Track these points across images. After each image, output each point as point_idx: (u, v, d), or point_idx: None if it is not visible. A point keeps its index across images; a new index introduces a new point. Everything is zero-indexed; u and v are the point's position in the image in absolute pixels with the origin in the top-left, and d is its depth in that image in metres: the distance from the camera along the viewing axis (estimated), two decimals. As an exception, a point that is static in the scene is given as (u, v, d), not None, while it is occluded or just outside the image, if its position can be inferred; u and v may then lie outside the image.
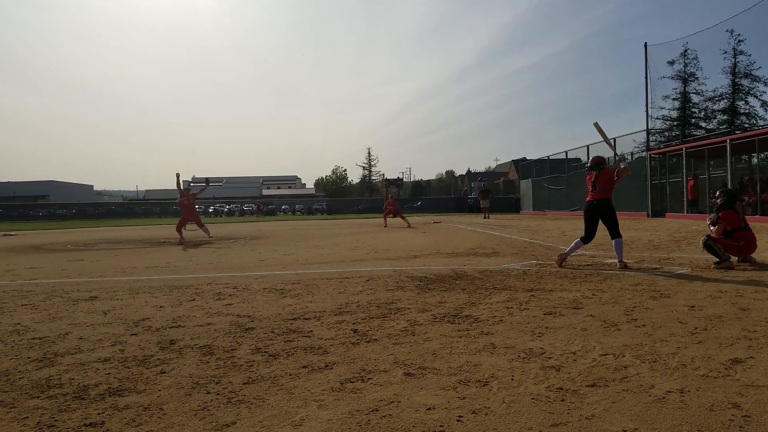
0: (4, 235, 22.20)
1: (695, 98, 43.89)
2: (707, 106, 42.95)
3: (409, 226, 21.80)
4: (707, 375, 2.91)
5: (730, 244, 7.39)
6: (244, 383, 2.97)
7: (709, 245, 7.37)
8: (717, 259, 7.30)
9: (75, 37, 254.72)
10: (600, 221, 7.73)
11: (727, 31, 36.08)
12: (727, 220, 7.48)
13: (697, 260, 7.94)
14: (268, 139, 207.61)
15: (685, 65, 43.00)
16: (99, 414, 2.56)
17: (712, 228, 7.64)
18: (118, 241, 17.10)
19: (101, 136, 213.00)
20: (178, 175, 16.78)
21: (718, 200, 7.79)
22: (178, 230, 16.18)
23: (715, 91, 42.48)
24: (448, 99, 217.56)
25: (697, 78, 43.08)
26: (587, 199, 7.93)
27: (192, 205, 16.77)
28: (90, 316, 4.85)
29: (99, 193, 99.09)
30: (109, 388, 2.93)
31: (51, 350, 3.72)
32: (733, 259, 7.40)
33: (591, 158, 8.25)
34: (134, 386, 2.95)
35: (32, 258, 11.38)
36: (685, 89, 43.65)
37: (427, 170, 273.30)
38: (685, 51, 41.79)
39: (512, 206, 45.99)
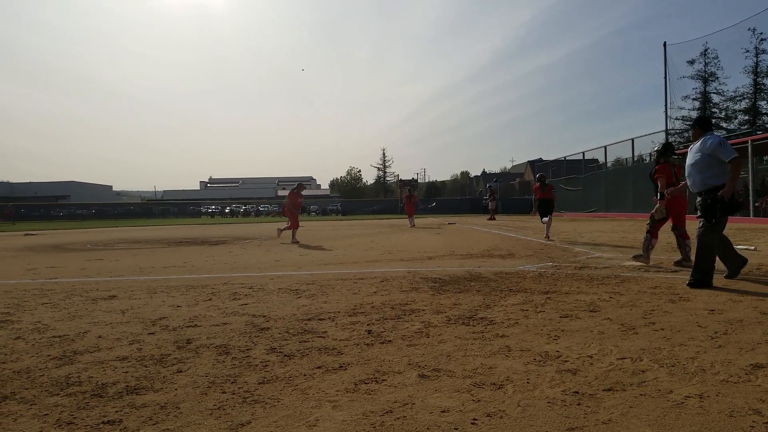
0: (25, 234, 22.56)
1: (716, 98, 43.36)
2: (728, 106, 42.40)
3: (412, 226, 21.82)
4: (727, 380, 2.87)
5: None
6: (260, 383, 2.98)
7: (680, 241, 7.81)
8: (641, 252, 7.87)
9: (95, 41, 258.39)
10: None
11: (748, 29, 35.60)
12: (665, 172, 7.80)
13: (717, 263, 7.82)
14: (283, 140, 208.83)
15: (706, 65, 42.49)
16: (117, 412, 2.59)
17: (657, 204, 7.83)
18: (136, 241, 17.30)
19: (120, 138, 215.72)
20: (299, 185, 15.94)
21: (658, 157, 8.10)
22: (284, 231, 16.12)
23: (736, 90, 41.93)
24: (463, 99, 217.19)
25: (717, 77, 42.57)
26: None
27: (291, 205, 15.59)
28: (108, 315, 4.90)
29: (118, 193, 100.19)
30: (126, 386, 2.96)
31: (70, 348, 3.77)
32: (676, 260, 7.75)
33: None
34: (151, 385, 2.98)
35: (53, 257, 11.55)
36: (705, 89, 43.14)
37: (441, 171, 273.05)
38: (706, 50, 41.32)
39: (528, 207, 45.72)
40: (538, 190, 14.76)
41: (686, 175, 6.20)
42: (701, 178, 5.97)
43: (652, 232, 7.82)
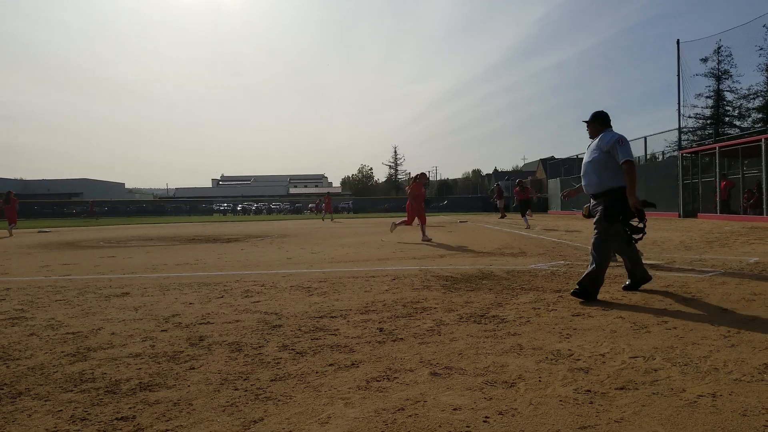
0: (39, 231, 22.79)
1: (729, 96, 42.96)
2: (742, 104, 41.99)
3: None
4: (740, 379, 2.85)
5: None
6: (272, 380, 3.00)
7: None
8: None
9: (109, 38, 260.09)
10: None
11: (763, 26, 35.20)
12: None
13: (730, 262, 7.76)
14: (295, 138, 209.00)
15: (719, 62, 42.12)
16: (130, 408, 2.62)
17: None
18: (148, 238, 17.42)
19: (133, 135, 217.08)
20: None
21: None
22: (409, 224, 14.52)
23: (750, 88, 41.49)
24: (475, 98, 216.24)
25: (731, 75, 42.17)
26: None
27: (414, 198, 13.97)
28: (122, 312, 4.95)
29: (130, 191, 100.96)
30: (140, 383, 2.98)
31: (84, 345, 3.81)
32: None
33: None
34: (164, 381, 3.00)
35: (66, 254, 11.66)
36: (718, 87, 42.75)
37: (453, 169, 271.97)
38: (719, 48, 40.94)
39: (540, 206, 45.54)
40: (519, 193, 18.92)
41: (582, 174, 5.59)
42: (598, 179, 5.32)
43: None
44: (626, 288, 5.62)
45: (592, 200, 5.53)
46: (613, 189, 5.19)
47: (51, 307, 5.25)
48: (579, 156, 38.79)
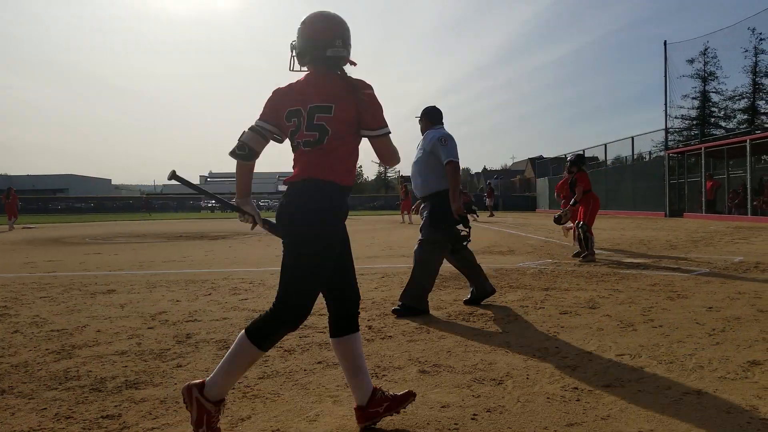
0: (23, 227, 22.54)
1: (715, 97, 43.33)
2: (727, 106, 42.39)
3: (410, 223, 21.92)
4: (725, 377, 2.88)
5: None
6: (260, 378, 2.98)
7: (586, 236, 8.28)
8: (583, 251, 8.28)
9: (96, 31, 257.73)
10: None
11: (748, 29, 35.55)
12: (583, 181, 8.55)
13: (715, 261, 7.84)
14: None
15: (705, 64, 42.44)
16: (116, 406, 2.59)
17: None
18: (135, 235, 17.28)
19: (120, 131, 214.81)
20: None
21: (570, 167, 8.86)
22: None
23: (735, 90, 41.90)
24: (466, 96, 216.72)
25: (717, 77, 42.51)
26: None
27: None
28: (107, 309, 4.90)
29: (117, 187, 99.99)
30: (126, 380, 2.96)
31: (69, 342, 3.77)
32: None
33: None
34: (151, 379, 2.98)
35: (51, 251, 11.54)
36: (704, 88, 43.11)
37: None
38: (705, 49, 41.23)
39: (528, 205, 45.74)
40: (491, 194, 23.29)
41: (410, 175, 5.09)
42: (422, 182, 4.83)
43: (590, 231, 8.40)
44: (466, 302, 4.97)
45: (421, 204, 5.00)
46: (438, 192, 4.70)
47: (35, 304, 5.19)
48: (567, 155, 39.03)
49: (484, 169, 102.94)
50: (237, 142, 2.34)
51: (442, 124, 5.03)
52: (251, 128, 2.34)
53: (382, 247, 11.25)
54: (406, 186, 27.70)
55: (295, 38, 2.35)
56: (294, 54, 2.38)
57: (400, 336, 3.84)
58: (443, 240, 4.73)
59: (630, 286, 5.80)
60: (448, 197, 4.61)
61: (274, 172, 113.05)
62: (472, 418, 2.38)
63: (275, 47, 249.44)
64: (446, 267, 7.60)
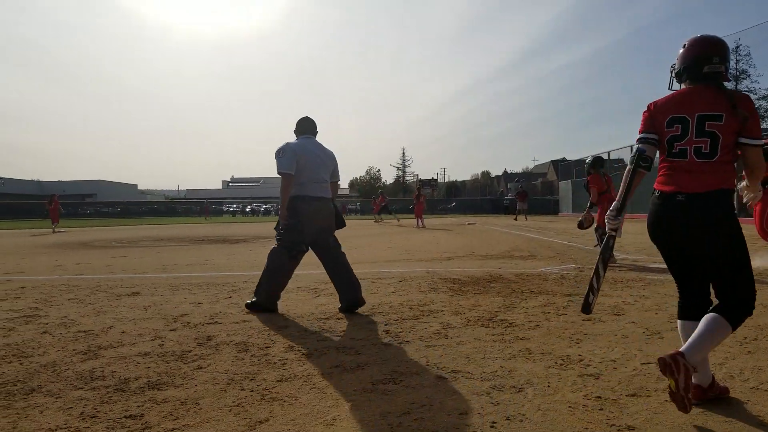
0: (54, 231, 23.01)
1: (749, 96, 42.61)
2: (761, 105, 41.51)
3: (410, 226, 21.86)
4: (757, 387, 2.80)
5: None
6: (278, 381, 2.99)
7: (602, 239, 8.15)
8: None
9: (124, 40, 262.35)
10: None
11: (783, 24, 34.81)
12: (596, 183, 8.65)
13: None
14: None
15: (737, 62, 41.68)
16: (139, 407, 2.62)
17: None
18: (159, 239, 17.52)
19: (145, 137, 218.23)
20: None
21: (588, 169, 8.95)
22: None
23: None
24: (485, 98, 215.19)
25: (749, 75, 41.72)
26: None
27: None
28: (132, 311, 4.97)
29: (142, 192, 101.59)
30: (148, 381, 2.99)
31: (95, 343, 3.83)
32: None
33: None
34: (172, 380, 3.01)
35: (80, 254, 11.76)
36: (736, 87, 42.36)
37: (462, 171, 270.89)
38: (737, 47, 40.50)
39: (551, 208, 45.30)
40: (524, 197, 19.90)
41: None
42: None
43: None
44: (340, 310, 4.96)
45: None
46: (293, 197, 4.91)
47: (64, 306, 5.29)
48: (588, 158, 38.53)
49: (505, 172, 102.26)
50: (636, 157, 2.66)
51: (308, 134, 5.19)
52: (643, 141, 2.68)
53: (400, 251, 11.24)
54: (419, 190, 27.66)
55: (674, 61, 2.70)
56: (673, 74, 2.72)
57: (418, 341, 3.82)
58: (286, 244, 4.93)
59: (657, 292, 5.70)
60: (297, 206, 4.88)
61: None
62: (491, 426, 2.36)
63: (296, 54, 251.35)
64: (467, 272, 7.56)
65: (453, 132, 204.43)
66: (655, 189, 2.68)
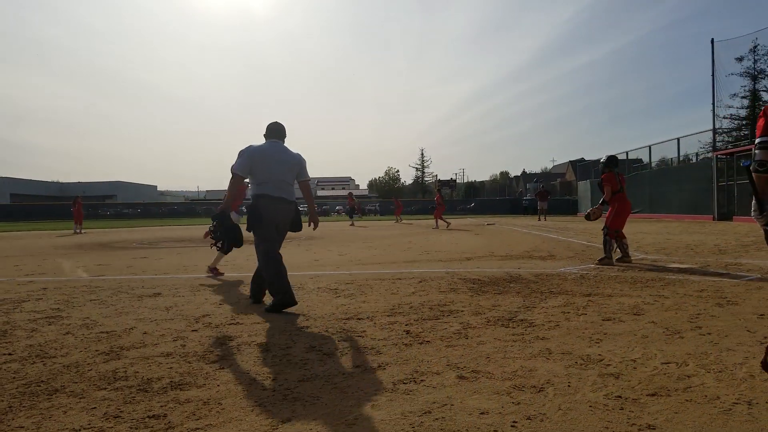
0: (74, 232, 23.36)
1: (766, 96, 41.87)
2: (777, 104, 40.90)
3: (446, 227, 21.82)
4: (778, 387, 2.77)
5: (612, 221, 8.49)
6: (299, 381, 3.02)
7: (606, 239, 8.38)
8: (618, 255, 8.34)
9: (140, 43, 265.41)
10: None
11: (802, 24, 34.22)
12: (610, 181, 8.62)
13: (767, 266, 7.55)
14: (322, 140, 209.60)
15: (755, 61, 41.11)
16: (162, 407, 2.66)
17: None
18: (180, 239, 17.70)
19: (165, 138, 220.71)
20: None
21: (603, 168, 8.86)
22: None
23: (789, 85, 40.40)
24: (504, 99, 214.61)
25: (767, 75, 41.08)
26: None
27: None
28: (153, 312, 5.04)
29: (162, 193, 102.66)
30: (171, 382, 3.04)
31: (117, 344, 3.89)
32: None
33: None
34: (194, 381, 3.05)
35: (100, 255, 11.93)
36: (754, 87, 41.74)
37: (480, 171, 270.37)
38: (755, 47, 39.96)
39: (569, 208, 44.96)
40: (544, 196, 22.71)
41: None
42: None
43: (611, 234, 8.41)
44: (266, 310, 5.09)
45: None
46: (253, 195, 5.31)
47: (86, 307, 5.38)
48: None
49: (524, 172, 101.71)
50: (757, 161, 2.93)
51: (274, 138, 5.45)
52: (760, 146, 2.90)
53: (419, 252, 11.24)
54: (440, 191, 27.63)
55: None
56: None
57: (438, 341, 3.82)
58: (260, 239, 5.27)
59: (676, 292, 5.64)
60: (257, 203, 5.23)
61: (314, 177, 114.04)
62: (512, 426, 2.36)
63: (313, 54, 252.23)
64: (486, 272, 7.55)
65: (472, 132, 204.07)
66: None
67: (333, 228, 25.32)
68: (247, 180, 5.53)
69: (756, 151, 2.94)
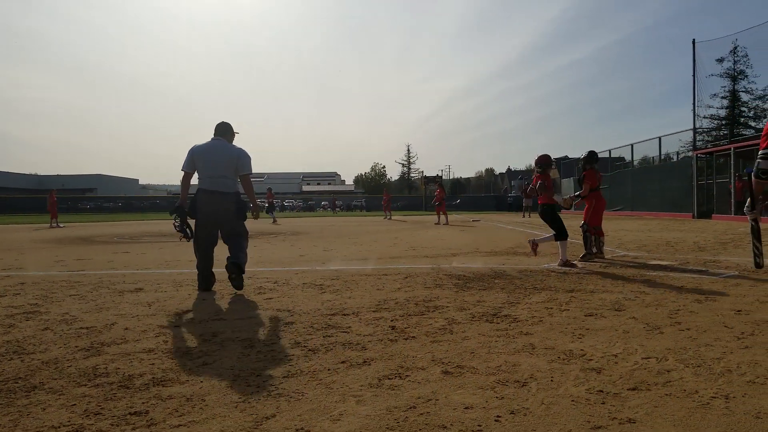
0: (51, 226, 23.03)
1: (745, 97, 42.56)
2: (757, 105, 41.55)
3: (446, 224, 21.84)
4: (754, 381, 2.82)
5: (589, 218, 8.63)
6: (284, 377, 3.01)
7: (587, 236, 8.53)
8: (588, 251, 8.44)
9: (123, 32, 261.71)
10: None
11: (780, 26, 34.77)
12: (591, 178, 8.68)
13: (744, 263, 7.68)
14: (308, 135, 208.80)
15: (735, 63, 41.73)
16: (143, 403, 2.64)
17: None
18: (162, 234, 17.53)
19: (147, 131, 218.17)
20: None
21: (584, 165, 8.95)
22: None
23: (765, 89, 41.09)
24: (490, 96, 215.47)
25: (747, 76, 41.78)
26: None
27: None
28: (135, 308, 4.99)
29: (144, 187, 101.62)
30: (153, 378, 3.01)
31: (98, 340, 3.85)
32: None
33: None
34: (177, 377, 3.03)
35: (80, 249, 11.78)
36: (734, 87, 42.36)
37: (466, 168, 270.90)
38: (735, 48, 40.55)
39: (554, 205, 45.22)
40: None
41: None
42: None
43: (591, 231, 8.56)
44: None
45: None
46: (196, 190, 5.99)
47: (65, 302, 5.31)
48: (592, 155, 38.51)
49: (509, 169, 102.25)
50: (761, 169, 3.58)
51: (217, 136, 6.07)
52: (764, 156, 3.56)
53: (405, 248, 11.26)
54: (441, 184, 26.94)
55: None
56: None
57: (424, 336, 3.84)
58: (195, 237, 6.02)
59: (657, 288, 5.72)
60: (195, 197, 5.93)
61: (299, 173, 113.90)
62: (496, 420, 2.38)
63: (300, 49, 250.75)
64: (471, 268, 7.58)
65: (458, 129, 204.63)
66: None
67: (318, 224, 25.26)
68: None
69: (759, 161, 3.50)
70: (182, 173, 5.96)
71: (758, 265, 6.17)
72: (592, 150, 9.12)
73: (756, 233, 5.97)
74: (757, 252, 6.12)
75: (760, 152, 3.64)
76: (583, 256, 8.41)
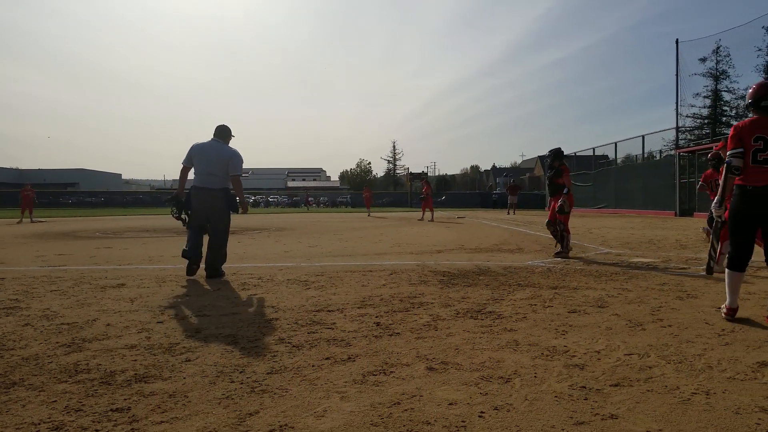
0: (32, 221, 22.72)
1: (727, 96, 43.06)
2: (739, 105, 42.09)
3: (430, 220, 21.89)
4: (734, 377, 2.86)
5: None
6: (268, 373, 3.00)
7: (563, 235, 8.57)
8: (559, 248, 8.56)
9: (105, 28, 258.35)
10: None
11: (762, 27, 35.28)
12: (568, 173, 8.85)
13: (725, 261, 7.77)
14: (293, 131, 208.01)
15: (717, 62, 42.20)
16: (125, 399, 2.61)
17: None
18: (145, 229, 17.38)
19: (130, 126, 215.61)
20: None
21: (552, 161, 8.99)
22: None
23: (747, 89, 41.69)
24: (476, 94, 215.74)
25: (729, 76, 42.27)
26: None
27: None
28: (117, 303, 4.94)
29: (127, 182, 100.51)
30: (135, 374, 2.98)
31: (79, 336, 3.80)
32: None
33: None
34: (160, 373, 3.00)
35: (62, 245, 11.63)
36: (716, 87, 42.85)
37: (451, 165, 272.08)
38: (718, 48, 40.99)
39: (538, 203, 45.60)
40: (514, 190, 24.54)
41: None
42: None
43: (567, 229, 8.65)
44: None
45: None
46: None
47: (46, 298, 5.23)
48: (577, 153, 38.82)
49: (494, 166, 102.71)
50: (733, 166, 4.00)
51: (215, 137, 6.71)
52: (733, 155, 4.00)
53: (390, 244, 11.26)
54: (427, 180, 26.63)
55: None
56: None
57: (408, 333, 3.84)
58: (190, 218, 6.73)
59: (639, 285, 5.78)
60: (189, 192, 6.65)
61: (284, 168, 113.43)
62: (480, 416, 2.39)
63: (285, 45, 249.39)
64: (456, 265, 7.60)
65: (444, 126, 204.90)
66: (743, 185, 3.98)
67: (303, 220, 25.19)
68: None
69: (731, 159, 3.88)
70: (182, 167, 6.69)
71: (710, 271, 6.07)
72: (558, 147, 9.14)
73: (718, 234, 5.86)
74: (713, 255, 6.05)
75: (729, 152, 3.97)
76: (558, 253, 8.52)
